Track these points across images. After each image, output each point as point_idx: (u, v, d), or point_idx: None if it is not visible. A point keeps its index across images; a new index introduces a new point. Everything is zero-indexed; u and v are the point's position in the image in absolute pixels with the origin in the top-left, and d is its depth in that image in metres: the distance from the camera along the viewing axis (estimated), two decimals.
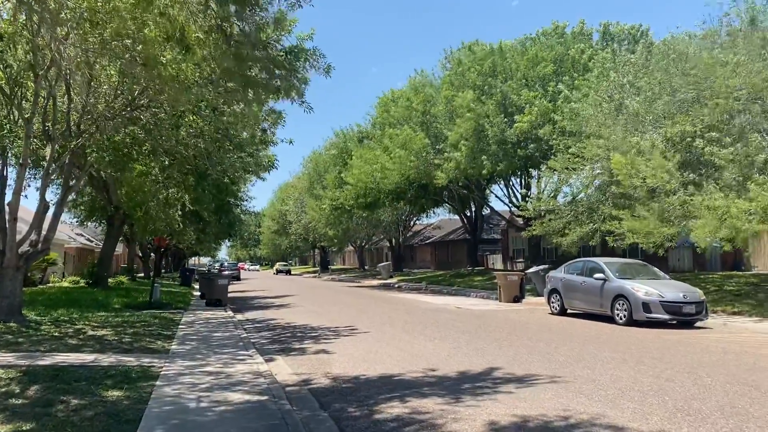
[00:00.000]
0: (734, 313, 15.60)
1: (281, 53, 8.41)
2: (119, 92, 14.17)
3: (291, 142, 19.02)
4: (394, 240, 57.02)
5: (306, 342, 12.30)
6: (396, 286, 36.87)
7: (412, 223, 56.90)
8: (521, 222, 33.98)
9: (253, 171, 19.06)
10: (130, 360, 9.25)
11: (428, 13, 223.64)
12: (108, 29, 9.78)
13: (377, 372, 8.74)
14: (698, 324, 14.36)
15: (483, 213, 44.96)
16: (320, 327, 14.89)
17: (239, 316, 18.19)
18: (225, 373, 8.44)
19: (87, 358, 9.35)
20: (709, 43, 17.33)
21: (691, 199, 15.79)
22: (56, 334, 11.81)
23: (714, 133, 15.64)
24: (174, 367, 8.88)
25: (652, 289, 14.40)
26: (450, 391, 7.33)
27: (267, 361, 9.76)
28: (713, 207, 14.55)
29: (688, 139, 16.35)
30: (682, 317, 14.10)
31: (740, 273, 25.02)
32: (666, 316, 13.99)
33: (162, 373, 8.31)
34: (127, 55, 10.66)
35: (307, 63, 8.41)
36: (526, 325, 15.08)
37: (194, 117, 14.18)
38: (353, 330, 14.05)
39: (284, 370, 9.22)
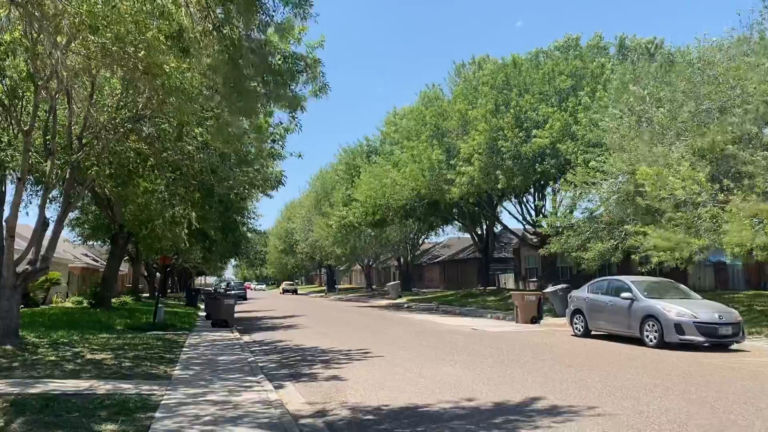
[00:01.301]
0: None
1: (279, 60, 7.79)
2: (122, 103, 13.60)
3: (300, 155, 18.42)
4: (402, 259, 56.18)
5: (317, 366, 11.53)
6: (405, 306, 36.00)
7: (420, 241, 56.08)
8: (535, 240, 33.17)
9: (260, 186, 18.41)
10: (128, 387, 8.51)
11: (432, 34, 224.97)
12: (109, 34, 9.19)
13: (399, 402, 7.96)
14: (734, 347, 13.50)
15: (495, 231, 44.14)
16: (331, 350, 14.10)
17: (246, 338, 17.44)
18: (231, 403, 7.69)
19: (82, 385, 8.62)
20: (739, 50, 16.65)
21: (723, 210, 15.01)
22: (53, 358, 11.09)
23: (757, 132, 14.87)
24: (176, 395, 8.14)
25: (685, 309, 13.55)
26: (485, 427, 6.54)
27: (276, 388, 9.00)
28: (749, 212, 13.75)
29: (719, 149, 15.60)
30: (717, 339, 13.22)
31: (766, 292, 24.08)
32: (701, 338, 13.13)
33: (162, 402, 7.58)
34: (129, 63, 10.08)
35: (305, 74, 7.78)
36: (551, 347, 14.24)
37: (199, 129, 13.58)
38: (366, 353, 13.25)
39: (296, 398, 8.45)
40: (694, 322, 13.22)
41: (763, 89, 14.82)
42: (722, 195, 15.58)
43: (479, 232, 42.58)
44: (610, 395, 8.08)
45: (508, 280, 46.66)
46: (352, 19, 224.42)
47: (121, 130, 13.81)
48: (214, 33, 7.10)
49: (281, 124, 15.68)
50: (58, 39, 9.88)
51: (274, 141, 17.71)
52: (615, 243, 20.25)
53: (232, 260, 72.18)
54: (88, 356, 11.46)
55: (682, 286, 16.39)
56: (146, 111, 13.25)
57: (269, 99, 7.88)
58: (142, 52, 8.91)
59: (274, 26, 7.43)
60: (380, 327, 20.87)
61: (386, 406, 7.76)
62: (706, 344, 13.20)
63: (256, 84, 7.80)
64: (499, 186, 26.16)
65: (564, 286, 23.75)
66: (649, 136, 18.33)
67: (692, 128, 17.08)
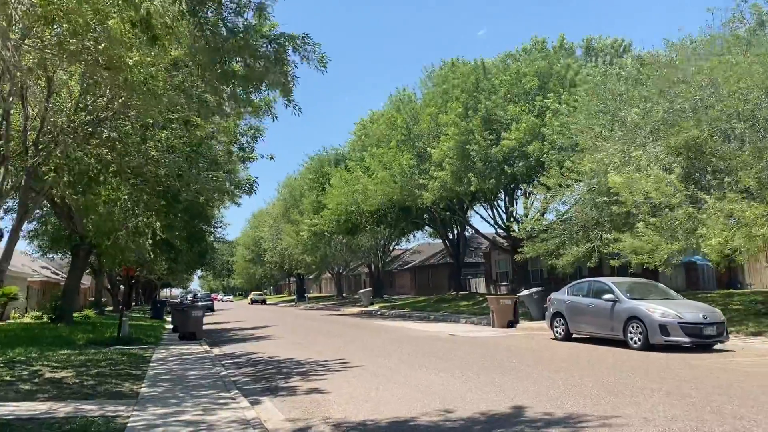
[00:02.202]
0: (751, 334, 14.60)
1: (263, 42, 7.21)
2: (81, 105, 12.83)
3: (272, 158, 17.59)
4: (373, 266, 55.64)
5: (294, 379, 10.92)
6: (378, 313, 35.44)
7: (391, 248, 55.64)
8: (506, 244, 33.01)
9: (229, 192, 17.63)
10: (91, 408, 7.81)
11: (396, 45, 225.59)
12: (66, 24, 8.49)
13: (386, 415, 7.42)
14: (718, 346, 13.31)
15: (466, 235, 43.96)
16: (307, 361, 13.48)
17: (216, 351, 16.68)
18: (206, 423, 7.07)
19: (40, 407, 7.88)
20: (711, 49, 16.63)
21: (699, 211, 14.90)
22: (8, 378, 10.27)
23: (734, 129, 14.82)
24: (144, 416, 7.47)
25: (669, 309, 13.31)
26: None
27: (253, 404, 8.38)
28: (726, 213, 13.63)
29: (695, 144, 15.51)
30: (702, 340, 13.00)
31: (738, 291, 24.24)
32: (686, 339, 12.89)
33: (129, 424, 6.93)
34: (89, 57, 9.38)
35: (297, 54, 7.23)
36: (534, 352, 13.88)
37: (164, 131, 12.86)
38: (345, 363, 12.68)
39: (275, 416, 7.85)
40: (678, 323, 12.99)
41: (741, 85, 14.77)
42: (700, 193, 15.46)
43: (450, 237, 42.33)
44: (608, 402, 7.68)
45: (479, 285, 46.50)
46: (316, 27, 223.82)
47: (81, 133, 13.01)
48: (189, 17, 6.52)
49: (251, 128, 15.02)
50: (11, 35, 9.15)
51: (243, 149, 17.06)
52: (591, 246, 20.04)
53: (199, 271, 70.74)
54: (48, 375, 10.66)
55: (663, 286, 16.24)
56: (108, 112, 12.50)
57: (259, 83, 7.28)
58: (104, 44, 8.24)
59: (252, 8, 6.88)
60: (356, 335, 20.29)
61: (372, 420, 7.23)
62: (691, 345, 12.98)
63: (241, 67, 7.21)
64: (471, 189, 25.89)
65: (539, 289, 23.52)
66: (621, 137, 18.20)
67: (666, 127, 16.99)
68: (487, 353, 13.65)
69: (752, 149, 14.66)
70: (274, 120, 8.63)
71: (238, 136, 14.47)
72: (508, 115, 24.50)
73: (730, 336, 13.64)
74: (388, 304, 42.87)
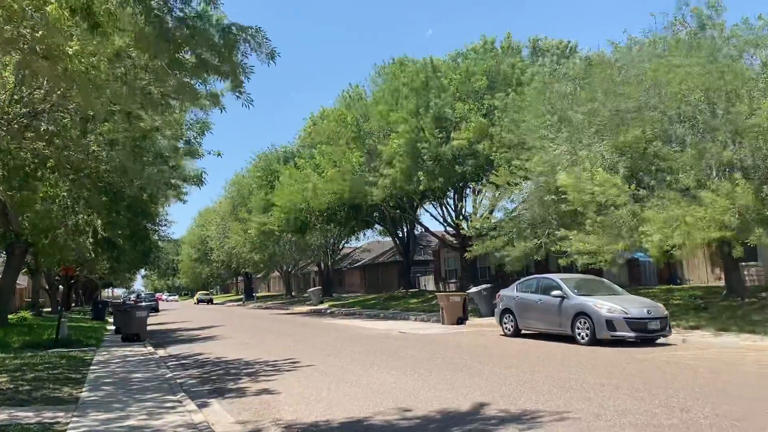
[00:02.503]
0: (691, 328, 15.09)
1: (214, 32, 6.94)
2: (16, 97, 12.18)
3: (219, 154, 17.13)
4: (322, 264, 55.25)
5: (243, 380, 10.65)
6: (328, 312, 35.21)
7: (341, 246, 55.39)
8: (455, 241, 33.27)
9: (175, 186, 17.01)
10: (27, 415, 7.40)
11: (344, 44, 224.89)
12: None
13: (339, 415, 7.29)
14: (661, 341, 13.69)
15: (415, 233, 44.13)
16: (257, 361, 13.20)
17: (161, 352, 16.19)
18: (151, 428, 6.79)
19: None
20: (653, 51, 17.10)
21: (642, 211, 15.31)
22: None
23: (675, 131, 15.30)
24: (85, 422, 7.12)
25: (615, 305, 13.62)
26: None
27: (200, 407, 8.11)
28: (667, 215, 14.04)
29: (641, 144, 15.93)
30: (647, 334, 13.36)
31: (677, 286, 25.09)
32: (631, 334, 13.21)
33: (69, 431, 6.58)
34: (25, 46, 8.88)
35: (248, 45, 6.99)
36: (484, 348, 13.98)
37: (106, 125, 12.33)
38: (295, 363, 12.46)
39: (224, 418, 7.61)
40: (624, 318, 13.30)
41: (682, 88, 15.23)
42: (642, 191, 15.88)
43: (400, 235, 42.42)
44: (560, 397, 7.75)
45: (428, 282, 46.80)
46: (264, 22, 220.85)
47: (16, 126, 12.36)
48: (133, 3, 6.20)
49: (198, 122, 14.57)
50: None
51: (188, 142, 16.56)
52: (538, 242, 20.37)
53: (142, 270, 68.75)
54: None
55: (609, 282, 16.61)
56: (45, 104, 11.91)
57: (208, 71, 6.99)
58: (41, 32, 7.80)
59: None
60: (306, 334, 20.05)
61: (325, 421, 7.09)
62: (636, 340, 13.30)
63: (191, 57, 6.90)
64: (420, 188, 25.95)
65: (488, 286, 23.81)
66: (568, 137, 18.54)
67: (611, 127, 17.39)
68: (438, 350, 13.66)
69: (693, 151, 15.14)
70: (222, 111, 8.40)
71: (184, 130, 14.01)
72: (457, 114, 24.64)
73: (672, 330, 14.04)
74: (338, 302, 42.67)
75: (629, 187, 16.09)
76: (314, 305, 41.65)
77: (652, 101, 16.39)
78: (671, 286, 25.36)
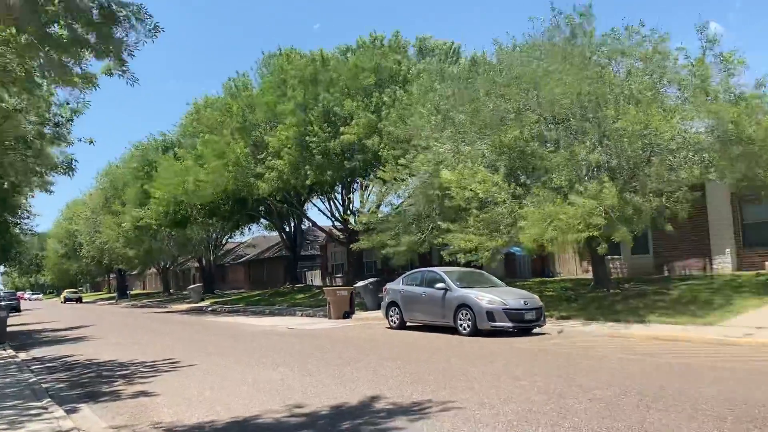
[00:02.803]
0: (563, 318, 16.04)
1: (92, 5, 6.34)
2: None
3: (92, 141, 15.67)
4: (204, 260, 53.36)
5: (118, 383, 9.98)
6: (210, 309, 34.04)
7: (224, 241, 53.77)
8: (342, 236, 33.32)
9: (40, 174, 15.51)
10: None
11: (230, 34, 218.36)
12: None
13: (223, 416, 7.00)
14: (536, 330, 14.43)
15: (302, 228, 43.73)
16: (132, 362, 12.45)
17: (23, 355, 14.89)
18: None
19: None
20: (534, 54, 17.95)
21: (520, 208, 16.06)
22: None
23: (548, 135, 16.13)
24: None
25: (495, 297, 14.21)
26: None
27: (69, 412, 7.50)
28: (542, 212, 14.81)
29: (519, 144, 16.67)
30: (524, 324, 14.04)
31: (549, 279, 26.62)
32: (510, 324, 13.83)
33: None
34: None
35: (129, 22, 6.46)
36: (371, 342, 14.06)
37: None
38: (175, 363, 11.88)
39: (95, 424, 7.07)
40: (503, 309, 13.89)
41: (556, 92, 16.09)
42: (520, 189, 16.64)
43: (287, 230, 41.87)
44: (446, 387, 7.91)
45: (315, 277, 46.57)
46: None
47: None
48: None
49: (68, 104, 13.44)
50: None
51: (57, 125, 15.26)
52: (423, 236, 20.82)
53: (1, 267, 63.03)
54: None
55: (489, 275, 17.28)
56: None
57: (85, 48, 6.35)
58: None
59: None
60: (186, 333, 19.22)
61: (209, 422, 6.78)
62: (514, 330, 13.92)
63: (65, 32, 6.24)
64: (309, 181, 25.71)
65: (374, 279, 24.03)
66: (452, 135, 19.08)
67: (493, 127, 18.08)
68: (325, 345, 13.57)
69: (565, 152, 16.05)
70: (95, 89, 7.73)
71: (51, 113, 12.85)
72: (345, 110, 24.61)
73: (545, 320, 14.84)
74: (221, 299, 41.40)
75: (509, 185, 16.82)
76: (195, 303, 40.13)
77: (530, 103, 17.20)
78: (544, 278, 26.87)
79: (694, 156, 15.79)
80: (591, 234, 14.95)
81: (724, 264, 20.78)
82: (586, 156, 15.64)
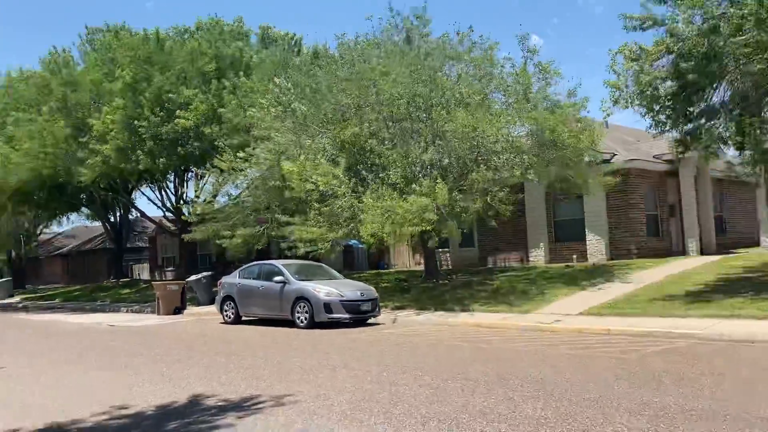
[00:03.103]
0: (397, 308, 16.64)
1: None
2: None
3: None
4: (13, 252, 48.03)
5: None
6: (21, 306, 30.76)
7: (39, 231, 48.82)
8: (174, 227, 31.78)
9: None
10: None
11: (49, 5, 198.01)
12: None
13: (37, 423, 6.34)
14: (372, 321, 14.82)
15: (129, 218, 40.98)
16: None
17: None
18: None
19: None
20: (374, 52, 18.34)
21: (360, 202, 16.40)
22: None
23: (385, 134, 16.59)
24: None
25: (333, 289, 14.38)
26: None
27: None
28: (381, 206, 15.25)
29: (360, 140, 16.99)
30: (359, 315, 14.36)
31: (385, 271, 27.52)
32: (346, 316, 14.07)
33: None
34: None
35: None
36: (204, 337, 13.58)
37: None
38: None
39: None
40: (340, 301, 14.11)
41: (393, 92, 16.60)
42: (360, 183, 17.00)
43: (112, 220, 39.02)
44: (282, 381, 7.86)
45: (143, 271, 43.93)
46: None
47: None
48: None
49: None
50: None
51: None
52: (261, 228, 20.49)
53: None
54: None
55: (328, 267, 17.45)
56: None
57: None
58: None
59: None
60: None
61: (17, 429, 6.12)
62: (350, 321, 14.19)
63: None
64: (140, 167, 24.13)
65: (208, 273, 23.22)
66: (293, 127, 18.97)
67: (334, 121, 18.27)
68: (153, 342, 12.87)
69: (401, 150, 16.63)
70: None
71: None
72: (182, 97, 23.42)
73: (381, 310, 15.31)
74: (34, 295, 37.57)
75: (349, 180, 17.10)
76: (2, 299, 36.06)
77: (369, 100, 17.58)
78: (380, 270, 27.74)
79: (515, 158, 17.12)
80: (424, 228, 15.67)
81: (538, 257, 22.84)
82: (420, 155, 16.35)
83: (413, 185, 15.93)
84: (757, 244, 23.17)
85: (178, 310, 20.92)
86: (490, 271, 21.51)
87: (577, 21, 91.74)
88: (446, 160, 17.42)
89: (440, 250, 23.58)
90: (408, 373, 8.03)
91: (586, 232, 21.90)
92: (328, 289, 14.37)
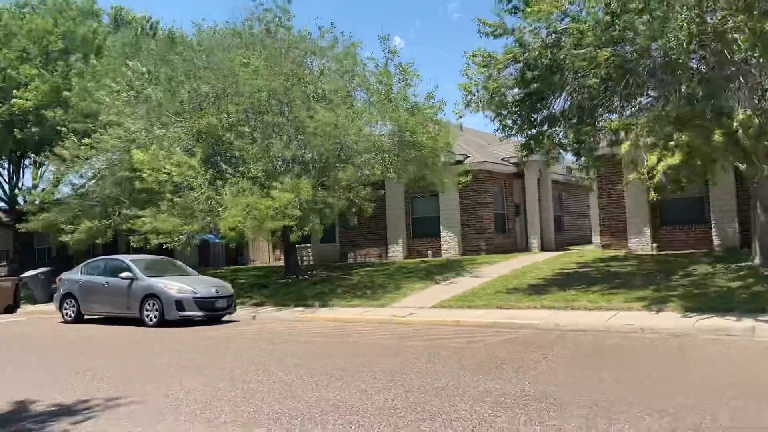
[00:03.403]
0: (255, 305, 16.33)
1: None
2: None
3: None
4: None
5: None
6: None
7: None
8: (7, 218, 28.91)
9: None
10: None
11: None
12: None
13: None
14: (227, 318, 14.42)
15: None
16: None
17: None
18: None
19: None
20: (234, 42, 17.79)
21: (218, 195, 15.89)
22: None
23: (245, 128, 16.16)
24: None
25: (185, 285, 13.80)
26: None
27: None
28: (242, 203, 14.88)
29: (217, 131, 16.42)
30: (214, 312, 13.89)
31: (243, 267, 26.89)
32: (200, 313, 13.56)
33: None
34: None
35: None
36: (40, 338, 12.50)
37: None
38: None
39: None
40: (194, 298, 13.58)
41: (253, 84, 16.23)
42: (218, 176, 16.46)
43: None
44: (126, 382, 7.41)
45: None
46: None
47: None
48: None
49: None
50: None
51: None
52: (109, 221, 19.18)
53: None
54: None
55: (180, 263, 16.71)
56: None
57: None
58: None
59: None
60: None
61: None
62: (204, 318, 13.70)
63: None
64: None
65: (47, 269, 21.44)
66: (146, 114, 17.96)
67: (191, 110, 17.53)
68: None
69: (261, 144, 16.29)
70: None
71: None
72: (21, 75, 21.28)
73: (237, 307, 14.94)
74: None
75: (206, 171, 16.49)
76: None
77: (229, 90, 17.05)
78: (238, 266, 27.07)
79: (377, 156, 17.44)
80: (287, 224, 15.53)
81: (397, 252, 23.48)
82: (282, 150, 16.15)
83: (275, 182, 15.67)
84: (590, 241, 25.43)
85: (11, 309, 19.19)
86: (350, 267, 21.76)
87: (437, 26, 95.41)
88: (309, 155, 17.35)
89: (301, 245, 23.46)
90: (262, 369, 7.90)
91: (441, 229, 22.83)
92: (180, 285, 13.77)
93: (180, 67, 17.84)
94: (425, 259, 22.08)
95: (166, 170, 15.86)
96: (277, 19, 17.80)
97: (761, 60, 11.29)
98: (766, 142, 11.89)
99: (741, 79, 11.95)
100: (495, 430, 4.96)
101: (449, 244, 22.66)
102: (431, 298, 14.61)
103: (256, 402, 6.14)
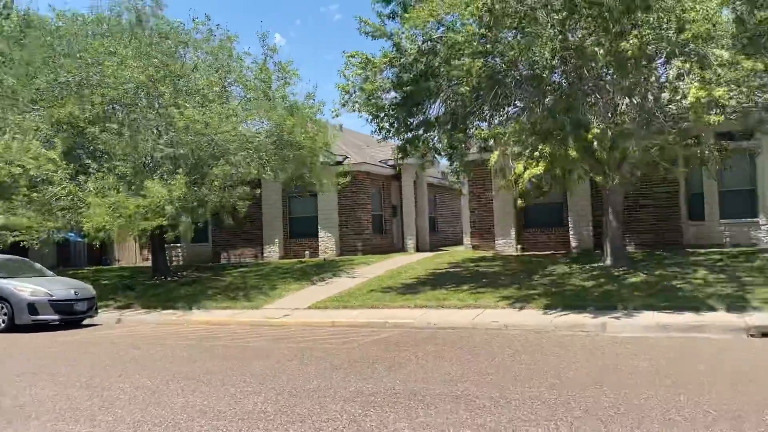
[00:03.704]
0: (121, 307, 15.45)
1: None
2: None
3: None
4: None
5: None
6: None
7: None
8: None
9: None
10: None
11: None
12: None
13: None
14: (88, 321, 13.53)
15: None
16: None
17: None
18: None
19: None
20: (99, 29, 16.71)
21: (82, 191, 14.88)
22: None
23: (112, 123, 15.23)
24: None
25: (40, 288, 12.78)
26: None
27: None
28: (108, 203, 14.03)
29: (80, 122, 15.35)
30: (73, 316, 12.98)
31: (107, 267, 25.34)
32: (56, 317, 12.62)
33: None
34: None
35: None
36: None
37: None
38: None
39: None
40: (49, 301, 12.63)
41: (120, 75, 15.35)
42: (82, 171, 15.42)
43: None
44: None
45: None
46: None
47: None
48: None
49: None
50: None
51: None
52: None
53: None
54: None
55: (36, 263, 15.44)
56: None
57: None
58: None
59: None
60: None
61: None
62: (61, 322, 12.77)
63: None
64: None
65: None
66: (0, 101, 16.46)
67: (50, 98, 16.29)
68: None
69: (130, 140, 15.43)
70: None
71: None
72: None
73: (100, 311, 14.06)
74: None
75: (68, 165, 15.40)
76: None
77: (93, 80, 16.01)
78: (102, 267, 25.48)
79: (253, 155, 17.09)
80: (161, 223, 14.84)
81: (273, 252, 23.16)
82: (152, 146, 15.40)
83: (147, 180, 14.90)
84: (461, 242, 26.50)
85: None
86: (223, 267, 21.17)
87: (318, 26, 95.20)
88: (180, 151, 16.66)
89: (171, 245, 22.49)
90: (125, 376, 7.49)
91: (319, 229, 22.82)
92: (34, 287, 12.73)
93: (37, 52, 16.48)
94: (302, 259, 21.97)
95: (20, 163, 14.61)
96: (147, 8, 16.93)
97: (615, 76, 12.36)
98: (617, 154, 13.02)
99: (597, 94, 13.03)
100: (364, 430, 5.03)
101: (327, 244, 22.70)
102: (307, 299, 14.57)
103: (115, 410, 5.81)
